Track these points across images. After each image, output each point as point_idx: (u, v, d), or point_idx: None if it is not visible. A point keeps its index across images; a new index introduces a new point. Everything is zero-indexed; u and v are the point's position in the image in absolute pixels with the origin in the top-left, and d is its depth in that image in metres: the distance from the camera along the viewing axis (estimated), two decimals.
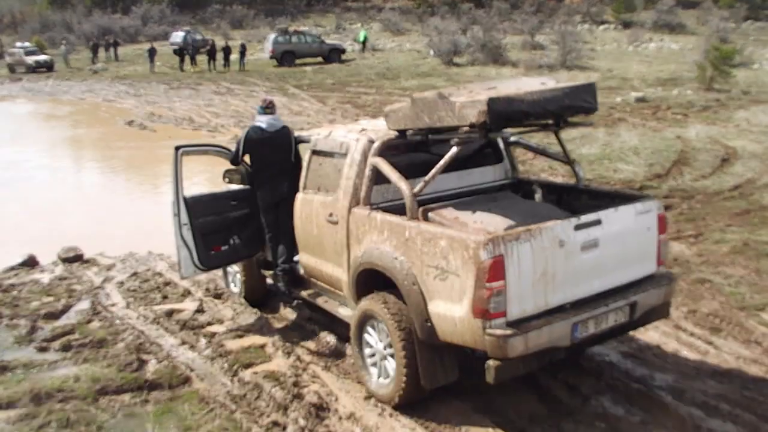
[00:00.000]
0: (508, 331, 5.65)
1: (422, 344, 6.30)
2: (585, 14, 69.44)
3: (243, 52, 47.68)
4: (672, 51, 45.64)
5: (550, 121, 6.65)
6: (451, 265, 5.86)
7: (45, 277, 11.04)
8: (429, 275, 6.09)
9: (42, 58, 56.39)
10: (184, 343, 8.36)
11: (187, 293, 9.96)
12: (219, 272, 10.03)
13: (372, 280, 6.81)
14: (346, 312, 7.52)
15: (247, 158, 8.70)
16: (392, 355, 6.61)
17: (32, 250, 11.97)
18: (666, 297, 6.74)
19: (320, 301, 8.03)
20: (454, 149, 6.37)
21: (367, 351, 7.00)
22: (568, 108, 6.37)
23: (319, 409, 6.73)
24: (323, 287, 8.02)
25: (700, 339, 7.96)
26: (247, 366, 7.65)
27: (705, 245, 10.92)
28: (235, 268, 9.59)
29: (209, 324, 8.88)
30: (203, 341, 8.35)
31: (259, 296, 9.50)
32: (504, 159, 8.16)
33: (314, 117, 25.29)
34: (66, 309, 9.57)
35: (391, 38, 61.09)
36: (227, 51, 47.05)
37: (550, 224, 5.97)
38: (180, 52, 49.41)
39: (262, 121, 8.49)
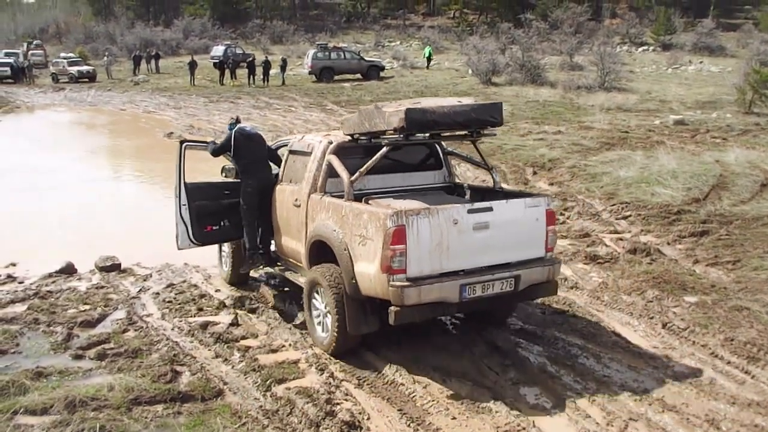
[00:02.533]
0: (406, 284, 7.25)
1: (349, 299, 7.84)
2: (624, 36, 69.08)
3: (284, 66, 47.98)
4: (711, 74, 45.28)
5: (466, 132, 8.34)
6: (369, 233, 7.50)
7: (82, 285, 11.17)
8: (355, 242, 7.74)
9: (85, 68, 57.45)
10: (218, 356, 8.38)
11: (222, 306, 10.01)
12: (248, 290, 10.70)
13: (322, 253, 8.36)
14: (304, 280, 8.90)
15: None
16: (329, 313, 8.15)
17: (70, 257, 12.12)
18: (549, 275, 8.10)
19: (287, 274, 9.83)
20: (385, 149, 8.15)
21: (314, 311, 8.57)
22: (475, 121, 8.10)
23: (351, 428, 6.69)
24: (289, 262, 9.72)
25: (737, 368, 7.82)
26: (281, 381, 7.64)
27: (743, 272, 10.75)
28: (226, 251, 11.05)
29: (243, 338, 8.90)
30: (237, 355, 8.37)
31: (242, 278, 11.01)
32: (443, 166, 9.73)
33: None
34: (102, 318, 9.67)
35: None
36: (267, 65, 47.52)
37: (446, 206, 7.62)
38: (220, 65, 49.98)
39: (244, 126, 10.29)
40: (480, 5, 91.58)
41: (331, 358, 8.21)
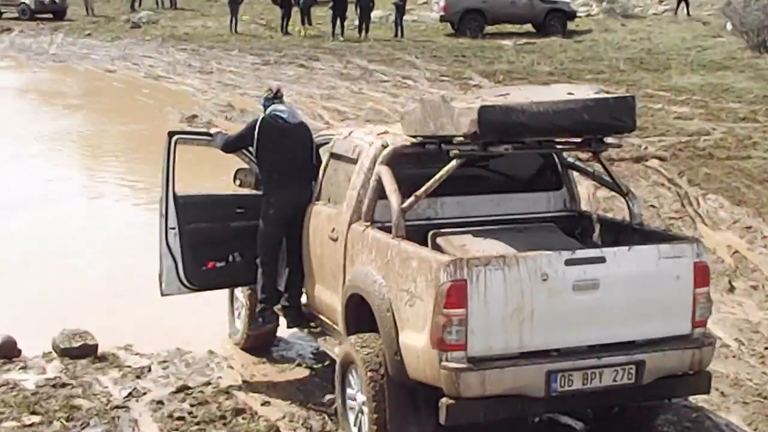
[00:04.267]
0: (464, 365, 7.81)
1: (392, 383, 8.58)
2: None
3: (401, 6, 48.51)
4: None
5: (580, 139, 9.16)
6: (418, 289, 8.20)
7: (29, 380, 11.32)
8: (402, 300, 8.46)
9: None
10: None
11: None
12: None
13: (362, 313, 9.18)
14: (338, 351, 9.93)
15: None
16: (366, 404, 8.91)
17: (9, 329, 12.34)
18: (694, 364, 8.61)
19: (320, 341, 10.84)
20: (453, 162, 8.85)
21: (348, 401, 9.40)
22: (588, 125, 8.65)
23: None
24: (324, 322, 10.72)
25: None
26: None
27: None
28: (240, 299, 12.08)
29: None
30: None
31: (261, 342, 12.19)
32: (563, 185, 10.50)
33: None
34: None
35: None
36: (366, 4, 47.97)
37: (532, 254, 8.24)
38: (283, 1, 50.71)
39: (281, 110, 11.13)
40: None
41: None
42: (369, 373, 8.62)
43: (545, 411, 9.13)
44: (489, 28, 47.62)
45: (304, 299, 11.21)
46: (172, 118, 28.55)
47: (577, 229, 10.07)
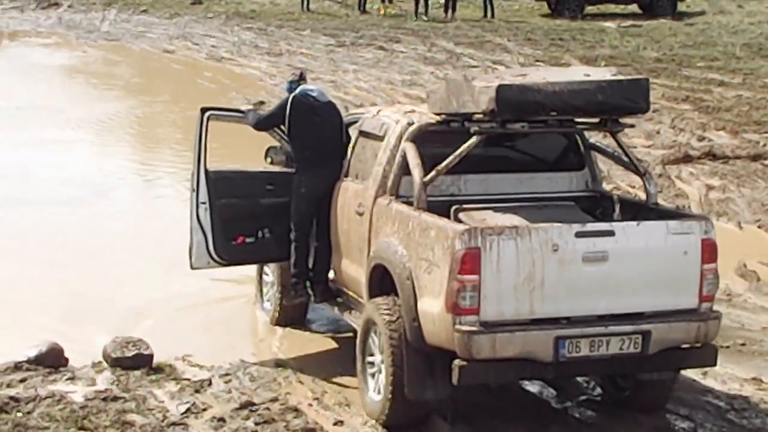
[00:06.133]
0: (476, 328, 9.08)
1: (410, 348, 9.82)
2: None
3: None
4: None
5: (596, 120, 10.63)
6: (435, 257, 9.49)
7: (77, 392, 11.22)
8: (421, 268, 9.76)
9: None
10: None
11: None
12: None
13: (386, 286, 10.46)
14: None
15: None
16: (384, 365, 10.20)
17: (55, 335, 12.30)
18: (699, 337, 9.86)
19: (345, 315, 12.17)
20: (473, 139, 10.17)
21: (368, 364, 10.67)
22: (601, 105, 9.99)
23: None
24: (350, 296, 12.02)
25: None
26: None
27: None
28: (271, 277, 13.30)
29: None
30: None
31: (293, 317, 13.49)
32: (584, 165, 11.75)
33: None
34: None
35: None
36: None
37: (543, 225, 9.53)
38: None
39: (311, 89, 12.40)
40: None
41: None
42: (389, 335, 9.87)
43: (553, 376, 10.36)
44: (590, 9, 47.71)
45: (331, 275, 12.38)
46: (236, 104, 28.34)
47: (598, 209, 11.24)
